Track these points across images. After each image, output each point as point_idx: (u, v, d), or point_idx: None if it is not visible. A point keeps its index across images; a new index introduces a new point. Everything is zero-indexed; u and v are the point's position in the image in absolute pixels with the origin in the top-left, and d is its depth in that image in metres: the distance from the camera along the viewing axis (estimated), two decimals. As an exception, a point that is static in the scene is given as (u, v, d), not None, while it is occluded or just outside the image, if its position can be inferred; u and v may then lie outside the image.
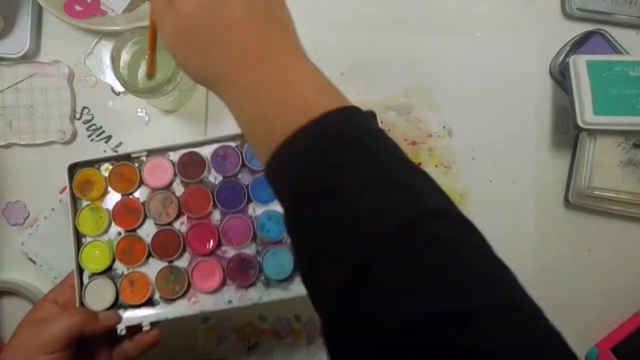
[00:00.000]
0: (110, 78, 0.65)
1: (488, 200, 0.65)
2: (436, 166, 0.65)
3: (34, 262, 0.63)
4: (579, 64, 0.60)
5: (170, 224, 0.56)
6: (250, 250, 0.55)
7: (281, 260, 0.54)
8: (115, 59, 0.55)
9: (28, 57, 0.64)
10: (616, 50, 0.64)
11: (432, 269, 0.29)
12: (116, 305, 0.54)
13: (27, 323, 0.50)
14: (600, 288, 0.65)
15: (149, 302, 0.55)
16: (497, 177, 0.65)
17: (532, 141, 0.66)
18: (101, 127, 0.65)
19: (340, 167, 0.33)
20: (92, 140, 0.65)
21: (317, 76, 0.37)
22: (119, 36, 0.55)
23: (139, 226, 0.56)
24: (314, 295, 0.34)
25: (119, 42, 0.55)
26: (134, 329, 0.53)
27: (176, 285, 0.55)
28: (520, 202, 0.65)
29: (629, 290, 0.65)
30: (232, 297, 0.55)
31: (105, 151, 0.64)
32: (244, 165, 0.56)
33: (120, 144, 0.64)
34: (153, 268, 0.55)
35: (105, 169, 0.56)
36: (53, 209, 0.63)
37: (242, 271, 0.55)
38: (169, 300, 0.55)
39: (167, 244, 0.55)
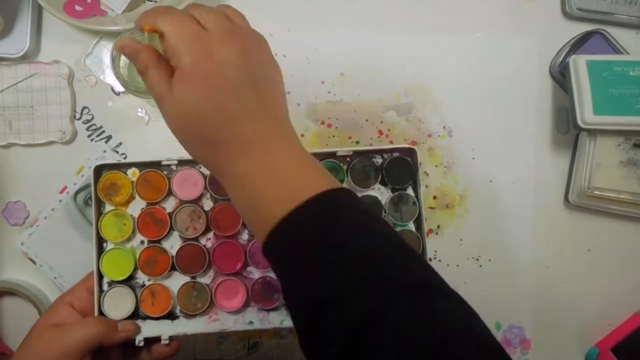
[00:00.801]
0: (110, 78, 0.65)
1: (488, 200, 0.65)
2: (436, 166, 0.65)
3: (34, 262, 0.63)
4: (579, 64, 0.60)
5: (196, 238, 0.55)
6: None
7: None
8: (115, 59, 0.55)
9: (28, 57, 0.64)
10: (616, 50, 0.64)
11: (418, 340, 0.32)
12: (135, 315, 0.54)
13: (43, 328, 0.49)
14: (600, 288, 0.65)
15: (169, 316, 0.54)
16: (497, 177, 0.65)
17: (532, 141, 0.66)
18: (101, 127, 0.65)
19: (329, 245, 0.35)
20: (92, 140, 0.65)
21: (307, 160, 0.39)
22: (119, 36, 0.55)
23: (164, 238, 0.55)
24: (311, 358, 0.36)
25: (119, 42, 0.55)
26: (152, 340, 0.53)
27: (198, 301, 0.54)
28: (520, 202, 0.65)
29: (629, 290, 0.65)
30: (253, 319, 0.54)
31: (105, 151, 0.64)
32: None
33: (120, 144, 0.64)
34: (176, 282, 0.54)
35: (132, 173, 0.55)
36: (53, 209, 0.63)
37: (266, 294, 0.54)
38: (189, 316, 0.54)
39: (191, 259, 0.54)
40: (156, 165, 0.55)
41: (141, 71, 0.40)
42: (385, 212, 0.57)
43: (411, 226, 0.57)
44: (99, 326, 0.49)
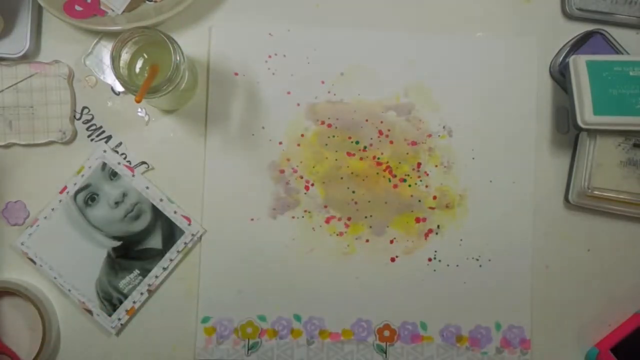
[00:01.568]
0: (110, 78, 0.65)
1: (488, 200, 0.65)
2: (436, 166, 0.65)
3: (34, 262, 0.63)
4: (579, 64, 0.60)
5: None
6: None
7: None
8: (115, 59, 0.55)
9: (28, 57, 0.64)
10: (616, 50, 0.64)
11: None
12: None
13: None
14: (600, 288, 0.65)
15: None
16: (497, 177, 0.65)
17: (532, 141, 0.66)
18: (101, 127, 0.65)
19: None
20: (92, 140, 0.65)
21: None
22: (119, 36, 0.55)
23: None
24: None
25: (119, 42, 0.55)
26: None
27: None
28: (520, 202, 0.65)
29: (629, 290, 0.65)
30: None
31: (105, 151, 0.64)
32: None
33: (120, 143, 0.65)
34: None
35: None
36: (53, 209, 0.63)
37: None
38: None
39: None
40: None
41: None
42: None
43: None
44: None
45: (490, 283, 0.65)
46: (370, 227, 0.65)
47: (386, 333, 0.65)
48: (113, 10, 0.63)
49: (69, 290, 0.63)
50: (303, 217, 0.65)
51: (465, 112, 0.66)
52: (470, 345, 0.65)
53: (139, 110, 0.65)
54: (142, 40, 0.56)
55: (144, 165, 0.64)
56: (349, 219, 0.65)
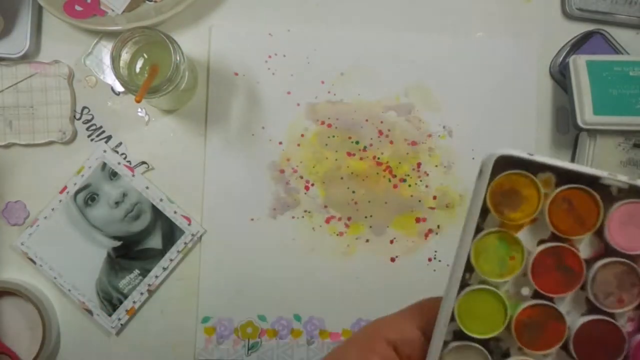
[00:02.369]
0: (110, 78, 0.65)
1: (488, 200, 0.65)
2: (436, 166, 0.65)
3: (34, 262, 0.63)
4: (579, 64, 0.60)
5: (613, 315, 0.35)
6: None
7: None
8: (115, 59, 0.55)
9: (28, 57, 0.64)
10: (616, 50, 0.64)
11: None
12: None
13: None
14: (600, 288, 0.65)
15: None
16: (497, 177, 0.65)
17: (532, 141, 0.66)
18: (101, 127, 0.65)
19: None
20: (92, 140, 0.65)
21: None
22: (119, 36, 0.55)
23: (563, 297, 0.35)
24: None
25: (119, 42, 0.55)
26: None
27: None
28: (520, 202, 0.65)
29: (629, 290, 0.65)
30: None
31: (105, 151, 0.64)
32: None
33: (120, 144, 0.65)
34: None
35: (545, 180, 0.34)
36: (53, 209, 0.63)
37: None
38: None
39: (597, 344, 0.35)
40: (590, 180, 0.34)
41: None
42: None
43: None
44: None
45: (490, 283, 0.65)
46: (370, 227, 0.65)
47: (386, 333, 0.64)
48: (113, 10, 0.63)
49: (69, 290, 0.63)
50: (303, 217, 0.65)
51: (465, 112, 0.66)
52: (470, 345, 0.65)
53: (139, 110, 0.65)
54: (142, 40, 0.56)
55: (144, 165, 0.64)
56: (349, 219, 0.65)
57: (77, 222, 0.64)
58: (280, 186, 0.65)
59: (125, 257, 0.64)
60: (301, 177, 0.65)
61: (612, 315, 0.34)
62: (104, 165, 0.64)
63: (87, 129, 0.65)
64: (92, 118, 0.65)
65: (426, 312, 0.34)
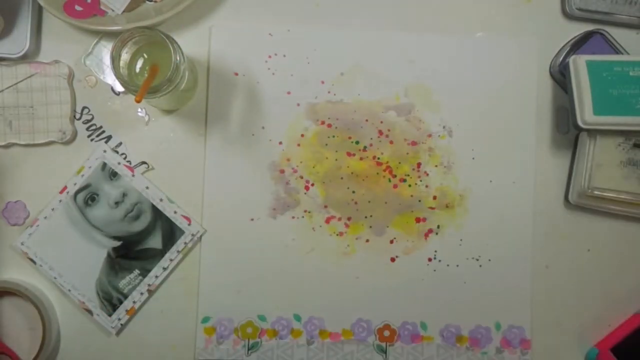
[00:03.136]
0: (110, 78, 0.65)
1: (488, 200, 0.65)
2: (436, 166, 0.65)
3: (34, 262, 0.63)
4: (579, 64, 0.60)
5: None
6: None
7: None
8: (115, 59, 0.55)
9: (28, 57, 0.64)
10: (616, 50, 0.64)
11: None
12: None
13: None
14: (600, 288, 0.65)
15: None
16: (497, 177, 0.65)
17: (532, 141, 0.66)
18: (101, 127, 0.65)
19: None
20: (92, 140, 0.65)
21: None
22: (119, 36, 0.55)
23: None
24: None
25: (119, 42, 0.55)
26: None
27: None
28: (520, 202, 0.65)
29: (629, 290, 0.65)
30: None
31: (105, 151, 0.64)
32: None
33: (120, 144, 0.65)
34: None
35: None
36: (53, 209, 0.63)
37: None
38: None
39: None
40: None
41: None
42: None
43: None
44: None
45: (490, 283, 0.65)
46: (370, 227, 0.65)
47: (386, 333, 0.65)
48: (113, 10, 0.63)
49: (69, 290, 0.63)
50: (303, 217, 0.65)
51: (465, 112, 0.66)
52: (470, 345, 0.65)
53: (139, 110, 0.65)
54: (142, 40, 0.56)
55: (144, 165, 0.64)
56: (349, 219, 0.65)
57: (77, 222, 0.64)
58: (280, 186, 0.65)
59: (125, 257, 0.64)
60: (301, 177, 0.65)
61: None
62: (104, 165, 0.64)
63: (87, 129, 0.65)
64: (92, 118, 0.65)
65: None
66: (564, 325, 0.65)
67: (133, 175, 0.64)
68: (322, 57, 0.66)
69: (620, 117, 0.59)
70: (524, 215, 0.65)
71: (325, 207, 0.65)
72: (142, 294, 0.64)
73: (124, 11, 0.63)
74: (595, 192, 0.61)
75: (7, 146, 0.64)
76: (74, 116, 0.64)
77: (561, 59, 0.65)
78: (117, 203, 0.64)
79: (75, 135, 0.64)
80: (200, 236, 0.64)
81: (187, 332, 0.64)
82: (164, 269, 0.64)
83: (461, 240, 0.65)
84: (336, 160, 0.65)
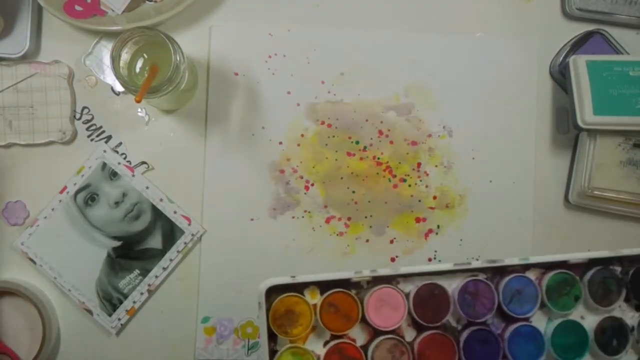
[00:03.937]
0: (110, 78, 0.65)
1: (488, 200, 0.65)
2: (436, 166, 0.65)
3: (34, 262, 0.63)
4: (579, 64, 0.60)
5: None
6: None
7: None
8: (115, 59, 0.55)
9: (28, 57, 0.64)
10: (616, 50, 0.64)
11: None
12: None
13: None
14: (600, 288, 0.65)
15: None
16: (497, 177, 0.65)
17: (532, 141, 0.66)
18: (101, 127, 0.65)
19: None
20: (92, 140, 0.65)
21: None
22: (119, 36, 0.55)
23: None
24: None
25: (119, 42, 0.55)
26: None
27: None
28: (520, 202, 0.65)
29: (629, 290, 0.65)
30: None
31: (105, 151, 0.64)
32: (499, 308, 0.45)
33: (120, 143, 0.65)
34: None
35: (311, 294, 0.42)
36: (53, 209, 0.63)
37: None
38: None
39: None
40: (343, 283, 0.42)
41: None
42: (634, 338, 0.47)
43: None
44: None
45: (490, 283, 0.65)
46: (370, 227, 0.65)
47: (386, 333, 0.65)
48: (113, 10, 0.63)
49: (69, 290, 0.63)
50: (303, 217, 0.65)
51: (465, 112, 0.66)
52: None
53: (139, 110, 0.65)
54: (142, 40, 0.56)
55: (144, 165, 0.64)
56: (349, 219, 0.65)
57: (77, 222, 0.64)
58: (280, 186, 0.65)
59: (125, 257, 0.64)
60: (301, 177, 0.65)
61: None
62: (104, 165, 0.64)
63: (87, 129, 0.65)
64: (92, 118, 0.65)
65: None
66: (564, 325, 0.65)
67: (133, 175, 0.64)
68: (322, 57, 0.66)
69: (620, 117, 0.59)
70: (524, 215, 0.65)
71: (325, 207, 0.65)
72: (142, 294, 0.64)
73: (124, 11, 0.63)
74: (595, 192, 0.61)
75: (7, 146, 0.64)
76: (74, 116, 0.64)
77: (561, 59, 0.65)
78: (117, 203, 0.64)
79: (75, 135, 0.64)
80: (200, 236, 0.64)
81: (187, 332, 0.64)
82: (164, 269, 0.64)
83: (461, 240, 0.65)
84: (336, 160, 0.65)
